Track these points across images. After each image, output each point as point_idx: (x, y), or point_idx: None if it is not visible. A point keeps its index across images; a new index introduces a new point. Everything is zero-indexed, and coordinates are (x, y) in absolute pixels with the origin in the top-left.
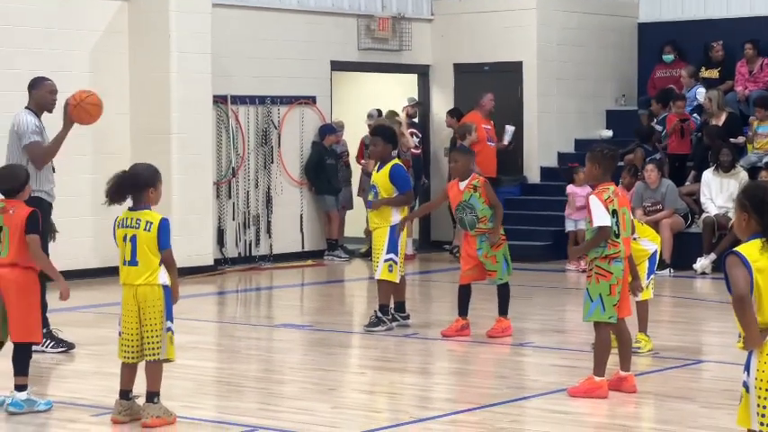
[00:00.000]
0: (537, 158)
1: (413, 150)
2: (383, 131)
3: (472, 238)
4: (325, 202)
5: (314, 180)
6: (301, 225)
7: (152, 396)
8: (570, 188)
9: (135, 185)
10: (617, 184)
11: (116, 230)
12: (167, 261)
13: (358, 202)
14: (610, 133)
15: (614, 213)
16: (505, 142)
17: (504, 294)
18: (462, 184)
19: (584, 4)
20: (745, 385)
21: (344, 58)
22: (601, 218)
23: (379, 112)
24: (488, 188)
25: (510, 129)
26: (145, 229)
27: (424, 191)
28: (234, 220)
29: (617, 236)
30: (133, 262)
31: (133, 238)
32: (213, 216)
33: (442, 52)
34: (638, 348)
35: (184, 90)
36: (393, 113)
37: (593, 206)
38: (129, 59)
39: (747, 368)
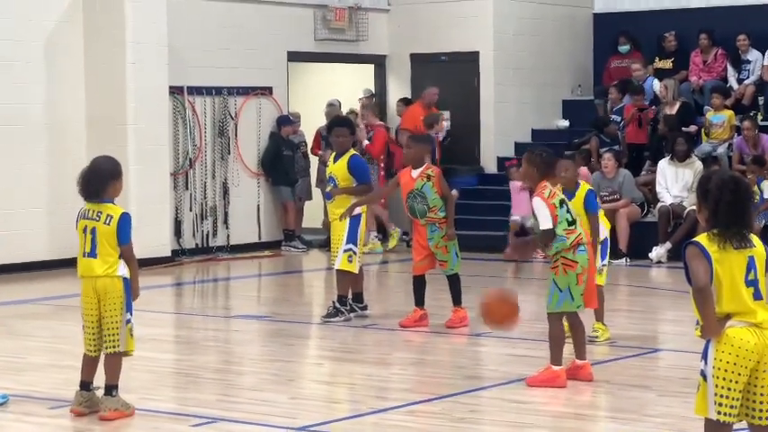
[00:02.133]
0: (494, 149)
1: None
2: (348, 123)
3: (423, 228)
4: (282, 194)
5: (270, 171)
6: (258, 216)
7: (110, 389)
8: (512, 184)
9: (97, 178)
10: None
11: (78, 222)
12: (127, 256)
13: (316, 192)
14: (566, 123)
15: (562, 203)
16: (440, 138)
17: (455, 284)
18: (415, 173)
19: None
20: (703, 374)
21: (301, 48)
22: (545, 221)
23: (339, 102)
24: (442, 179)
25: (446, 124)
26: (105, 223)
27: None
28: (191, 211)
29: (572, 223)
30: (92, 254)
31: (93, 231)
32: (170, 207)
33: (399, 43)
34: (596, 337)
35: (140, 81)
36: (352, 112)
37: (538, 208)
38: (84, 49)
39: (705, 357)
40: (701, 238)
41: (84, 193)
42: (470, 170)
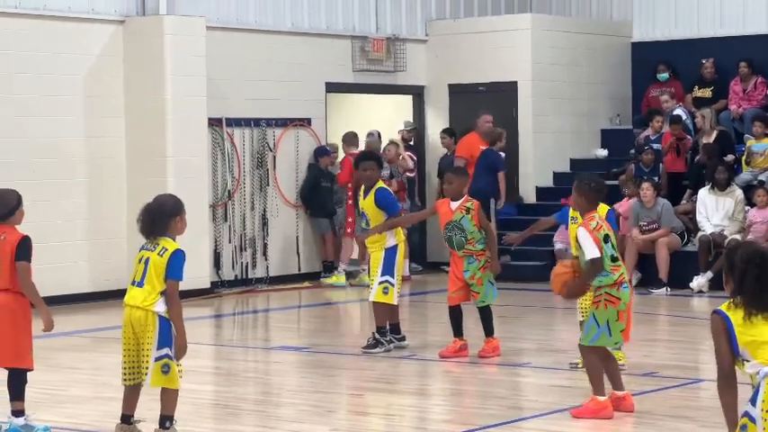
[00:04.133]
0: (533, 178)
1: (408, 173)
2: (377, 157)
3: (459, 260)
4: (320, 225)
5: (309, 202)
6: (297, 247)
7: (164, 420)
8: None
9: (159, 217)
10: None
11: (138, 252)
12: (170, 292)
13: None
14: (605, 152)
15: (607, 238)
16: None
17: (486, 316)
18: (454, 204)
19: (578, 24)
20: (749, 416)
21: (339, 79)
22: (591, 251)
23: (379, 133)
24: (481, 212)
25: (500, 154)
26: (159, 254)
27: None
28: (230, 242)
29: (616, 260)
30: (140, 283)
31: (147, 260)
32: (209, 239)
33: (437, 73)
34: (624, 366)
35: (180, 113)
36: (392, 143)
37: (583, 239)
38: (124, 82)
39: (753, 401)
40: (725, 307)
41: (146, 231)
42: (510, 200)
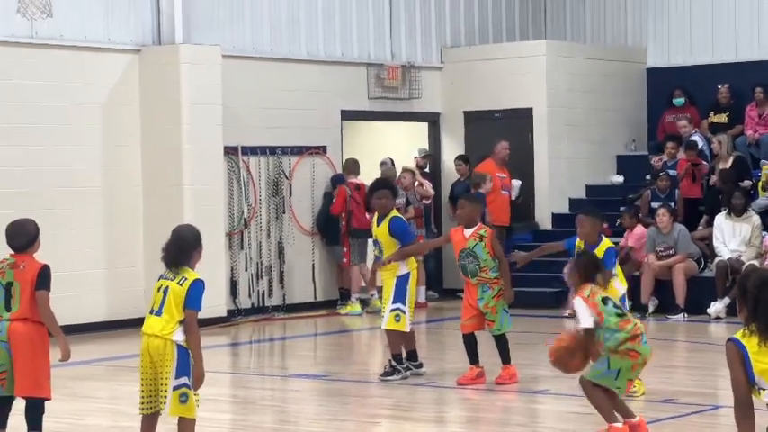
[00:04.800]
0: (548, 205)
1: (425, 200)
2: (391, 185)
3: (473, 287)
4: (336, 253)
5: (324, 230)
6: (313, 275)
7: None
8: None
9: (182, 249)
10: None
11: (156, 282)
12: (188, 321)
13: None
14: (620, 179)
15: (606, 300)
16: (513, 197)
17: (502, 344)
18: (467, 232)
19: (593, 50)
20: None
21: (355, 107)
22: (584, 320)
23: (392, 161)
24: (494, 240)
25: (516, 183)
26: (178, 283)
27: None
28: (246, 270)
29: (623, 315)
30: (158, 312)
31: (166, 289)
32: (226, 267)
33: (452, 100)
34: (634, 392)
35: (196, 141)
36: (407, 170)
37: (578, 308)
38: (141, 111)
39: None
40: (740, 334)
41: (171, 263)
42: (525, 226)
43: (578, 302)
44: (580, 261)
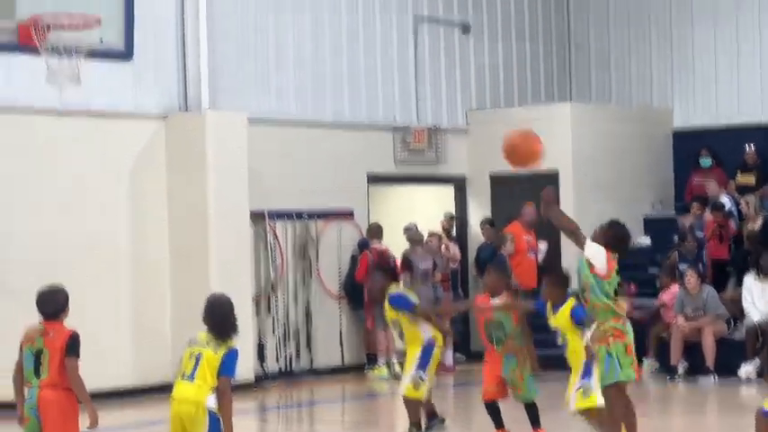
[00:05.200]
0: (575, 267)
1: (452, 264)
2: (384, 267)
3: (497, 356)
4: (362, 317)
5: (351, 294)
6: (341, 339)
7: None
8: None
9: (227, 318)
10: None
11: (185, 348)
12: (222, 388)
13: None
14: (648, 240)
15: (618, 272)
16: (539, 260)
17: (532, 410)
18: (494, 301)
19: (618, 112)
20: None
21: (381, 170)
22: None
23: (416, 226)
24: (520, 310)
25: (543, 246)
26: (213, 350)
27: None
28: (274, 334)
29: (617, 294)
30: (191, 377)
31: (198, 356)
32: (253, 331)
33: (478, 163)
34: None
35: (222, 206)
36: (433, 234)
37: (596, 254)
38: (167, 177)
39: None
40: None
41: (219, 334)
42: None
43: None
44: (552, 278)
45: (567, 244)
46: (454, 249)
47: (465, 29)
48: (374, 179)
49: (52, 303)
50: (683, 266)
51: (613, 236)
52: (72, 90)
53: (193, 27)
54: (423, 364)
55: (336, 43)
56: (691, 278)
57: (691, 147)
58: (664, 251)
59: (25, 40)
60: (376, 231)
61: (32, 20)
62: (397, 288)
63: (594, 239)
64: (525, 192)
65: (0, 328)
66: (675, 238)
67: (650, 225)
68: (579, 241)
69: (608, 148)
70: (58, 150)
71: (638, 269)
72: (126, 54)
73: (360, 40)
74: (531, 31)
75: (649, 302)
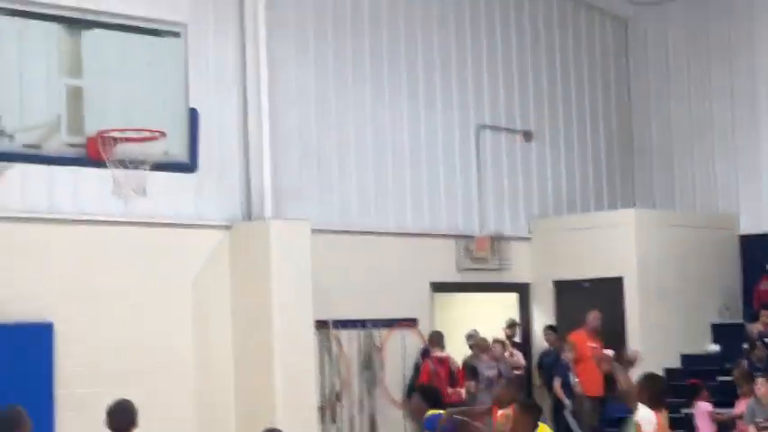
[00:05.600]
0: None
1: (516, 371)
2: (423, 390)
3: None
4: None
5: None
6: None
7: None
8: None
9: None
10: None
11: None
12: None
13: None
14: (717, 348)
15: None
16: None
17: None
18: (501, 411)
19: (683, 217)
20: None
21: (444, 278)
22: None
23: (477, 333)
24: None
25: (608, 353)
26: None
27: None
28: None
29: None
30: None
31: None
32: None
33: (541, 270)
34: None
35: (286, 316)
36: (497, 341)
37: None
38: (231, 285)
39: None
40: None
41: None
42: (621, 398)
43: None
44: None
45: (633, 344)
46: (518, 356)
47: (527, 136)
48: (438, 287)
49: (122, 418)
50: (751, 375)
51: (652, 391)
52: (137, 201)
53: (256, 138)
54: None
55: (399, 151)
56: (762, 386)
57: (758, 252)
58: (732, 359)
59: (93, 154)
60: (437, 339)
61: (100, 135)
62: (433, 413)
63: (640, 395)
64: (589, 297)
65: None
66: (745, 345)
67: (718, 331)
68: (633, 403)
69: (673, 253)
70: (122, 260)
71: (707, 377)
72: (190, 165)
73: (422, 149)
74: (593, 136)
75: (728, 411)
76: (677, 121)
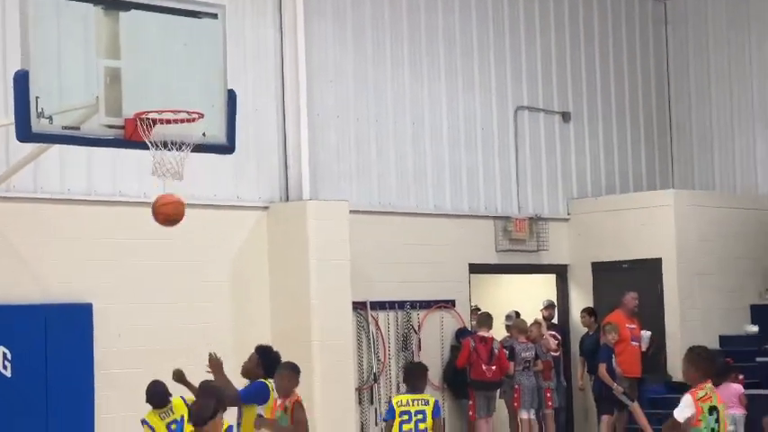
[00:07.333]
0: (681, 356)
1: (552, 353)
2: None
3: None
4: (464, 406)
5: (452, 384)
6: (444, 429)
7: None
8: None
9: None
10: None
11: None
12: None
13: (500, 404)
14: (755, 328)
15: (713, 410)
16: (643, 348)
17: None
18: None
19: (722, 198)
20: None
21: (482, 260)
22: (679, 410)
23: (517, 313)
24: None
25: (646, 334)
26: None
27: (563, 392)
28: (377, 425)
29: None
30: None
31: None
32: (356, 422)
33: (580, 251)
34: None
35: (324, 297)
36: (536, 322)
37: (683, 400)
38: (269, 267)
39: None
40: None
41: None
42: (658, 378)
43: (686, 397)
44: (695, 354)
45: (671, 331)
46: (549, 340)
47: (565, 117)
48: (476, 269)
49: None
50: None
51: (694, 364)
52: (175, 183)
53: (294, 119)
54: None
55: (437, 132)
56: None
57: None
58: None
59: (131, 136)
60: (485, 320)
61: (138, 116)
62: None
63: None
64: (627, 280)
65: (109, 418)
66: None
67: (757, 312)
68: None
69: (712, 234)
70: (160, 241)
71: (746, 358)
72: (228, 147)
73: (461, 130)
74: (631, 117)
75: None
76: (717, 100)
